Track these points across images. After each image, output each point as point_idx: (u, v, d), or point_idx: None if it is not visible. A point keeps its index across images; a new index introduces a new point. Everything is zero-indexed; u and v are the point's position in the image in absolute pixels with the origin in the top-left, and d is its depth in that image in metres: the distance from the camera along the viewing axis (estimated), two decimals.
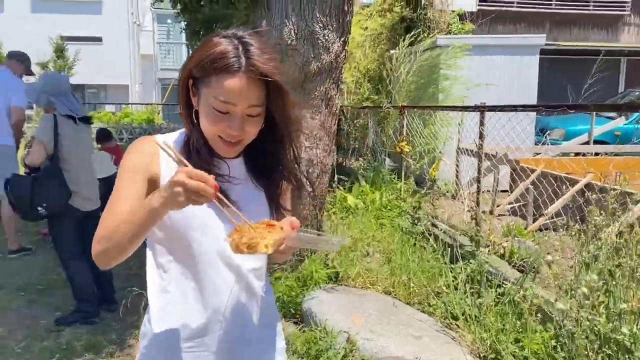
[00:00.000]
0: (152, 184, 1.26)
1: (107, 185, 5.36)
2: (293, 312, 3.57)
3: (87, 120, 3.86)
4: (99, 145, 6.35)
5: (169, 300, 1.32)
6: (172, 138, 1.32)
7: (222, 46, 1.17)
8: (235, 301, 1.34)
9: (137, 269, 4.74)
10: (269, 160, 1.34)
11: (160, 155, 1.27)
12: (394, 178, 6.25)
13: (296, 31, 3.62)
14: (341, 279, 3.90)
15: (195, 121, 1.26)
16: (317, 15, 3.59)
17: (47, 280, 4.54)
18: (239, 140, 1.23)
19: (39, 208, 3.53)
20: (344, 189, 6.04)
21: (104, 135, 6.44)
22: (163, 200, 1.09)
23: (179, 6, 10.22)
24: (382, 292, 3.82)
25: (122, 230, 1.16)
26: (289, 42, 3.62)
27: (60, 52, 19.33)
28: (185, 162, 1.17)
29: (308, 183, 3.85)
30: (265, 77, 1.17)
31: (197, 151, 1.26)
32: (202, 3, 9.04)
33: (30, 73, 5.62)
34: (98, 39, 23.75)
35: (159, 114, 21.51)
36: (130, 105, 22.46)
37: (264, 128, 1.27)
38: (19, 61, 5.35)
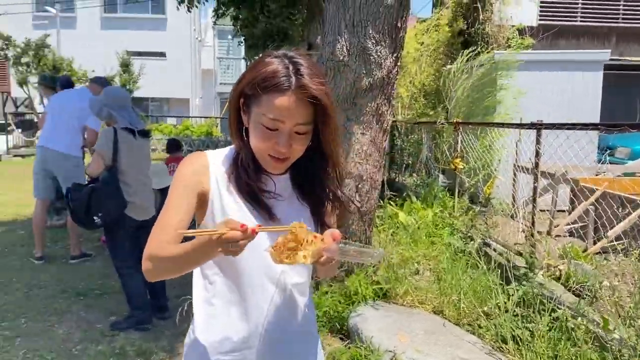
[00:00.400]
0: (202, 199, 1.31)
1: (163, 196, 5.56)
2: (339, 327, 3.56)
3: (145, 134, 3.99)
4: (168, 155, 6.65)
5: (213, 312, 1.36)
6: (222, 154, 1.37)
7: (274, 66, 1.22)
8: (277, 316, 1.36)
9: (188, 275, 4.87)
10: (314, 177, 1.37)
11: (210, 171, 1.31)
12: (447, 195, 6.14)
13: (348, 47, 3.64)
14: (389, 296, 3.85)
15: (245, 138, 1.31)
16: (370, 32, 3.60)
17: (104, 285, 4.72)
18: (286, 157, 1.27)
19: (95, 217, 3.65)
20: (396, 205, 5.98)
21: (173, 145, 6.76)
22: (216, 249, 1.12)
23: (238, 23, 10.55)
24: (431, 311, 3.75)
25: (176, 259, 1.21)
26: (341, 58, 3.65)
27: (125, 66, 20.20)
28: (213, 231, 1.15)
29: (357, 198, 3.85)
30: (314, 99, 1.21)
31: (245, 168, 1.30)
32: (259, 19, 9.29)
33: None
34: (162, 54, 24.71)
35: (217, 127, 22.08)
36: (190, 118, 23.18)
37: (310, 146, 1.30)
38: (100, 85, 5.65)
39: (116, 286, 4.67)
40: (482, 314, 3.60)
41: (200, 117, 24.43)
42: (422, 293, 3.87)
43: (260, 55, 1.30)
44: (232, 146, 1.37)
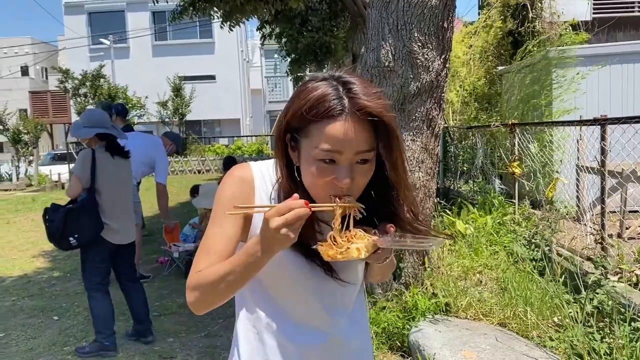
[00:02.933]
0: (247, 217, 1.17)
1: None
2: (399, 344, 3.40)
3: (125, 155, 3.93)
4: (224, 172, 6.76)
5: (258, 346, 1.24)
6: (269, 168, 1.22)
7: (321, 90, 1.05)
8: (330, 330, 1.23)
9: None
10: (376, 213, 1.16)
11: (255, 186, 1.18)
12: (505, 201, 5.87)
13: (393, 52, 3.52)
14: (450, 309, 3.66)
15: (298, 179, 1.12)
16: (415, 35, 3.47)
17: (162, 307, 4.74)
18: (347, 195, 1.07)
19: (71, 238, 3.60)
20: (452, 213, 5.76)
21: (230, 163, 6.87)
22: (264, 250, 1.01)
23: (282, 39, 10.63)
24: (497, 324, 3.53)
25: (224, 281, 1.08)
26: (387, 64, 3.54)
27: (177, 91, 20.77)
28: (267, 205, 1.07)
29: None
30: (374, 117, 1.03)
31: None
32: (302, 33, 9.31)
33: (178, 153, 6.46)
34: (212, 77, 25.30)
35: (267, 144, 22.30)
36: (242, 137, 23.54)
37: (372, 180, 1.11)
38: (172, 140, 6.14)
39: (173, 307, 4.70)
40: (551, 326, 3.36)
41: (251, 135, 24.79)
42: (486, 305, 3.65)
43: (303, 81, 1.13)
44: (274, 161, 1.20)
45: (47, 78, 36.05)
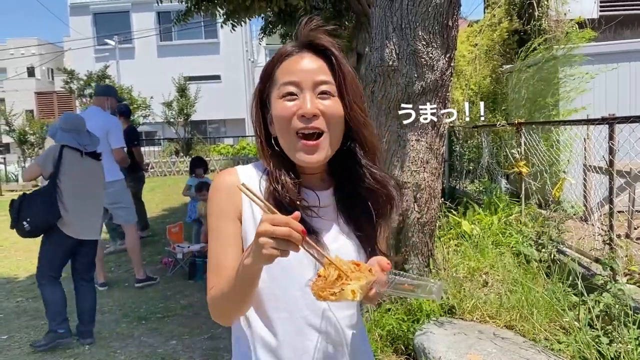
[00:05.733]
0: (240, 220, 1.15)
1: None
2: (404, 347, 3.36)
3: (95, 156, 4.17)
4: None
5: (253, 344, 1.19)
6: (254, 169, 1.22)
7: (282, 47, 1.16)
8: (324, 350, 1.18)
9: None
10: (354, 185, 1.19)
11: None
12: (512, 200, 5.81)
13: (397, 51, 3.48)
14: (455, 311, 3.62)
15: (277, 148, 1.15)
16: (420, 33, 3.43)
17: (166, 308, 4.72)
18: (318, 134, 1.09)
19: (24, 222, 3.76)
20: (457, 213, 5.71)
21: (197, 163, 7.08)
22: (251, 257, 0.97)
23: (287, 39, 10.57)
24: (503, 326, 3.48)
25: (228, 297, 1.08)
26: (390, 63, 3.49)
27: (182, 91, 20.77)
28: (269, 205, 1.00)
29: (416, 208, 3.66)
30: (323, 48, 1.12)
31: (280, 182, 1.12)
32: None
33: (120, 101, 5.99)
34: (217, 77, 25.31)
35: None
36: (246, 137, 23.52)
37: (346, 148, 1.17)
38: (103, 95, 5.63)
39: (176, 308, 4.68)
40: (559, 329, 3.31)
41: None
42: (492, 307, 3.60)
43: None
44: (261, 162, 1.21)
45: (53, 79, 36.18)
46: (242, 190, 1.01)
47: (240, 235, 1.14)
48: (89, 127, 5.11)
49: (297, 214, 0.93)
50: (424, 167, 3.62)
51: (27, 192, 3.93)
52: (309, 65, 1.11)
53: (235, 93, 25.53)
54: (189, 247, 5.88)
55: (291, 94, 1.10)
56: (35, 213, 3.78)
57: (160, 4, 6.18)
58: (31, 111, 29.49)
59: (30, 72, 35.45)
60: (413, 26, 3.45)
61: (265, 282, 1.12)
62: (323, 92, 1.10)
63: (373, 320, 3.51)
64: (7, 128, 20.11)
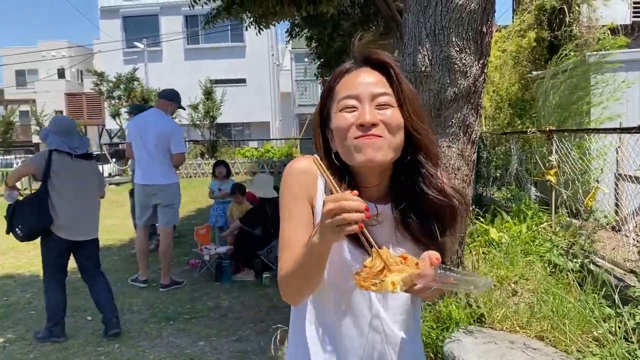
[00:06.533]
0: (312, 204, 1.21)
1: (272, 205, 5.72)
2: (433, 355, 3.33)
3: (87, 157, 4.24)
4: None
5: (305, 342, 1.25)
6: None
7: (342, 65, 1.21)
8: (376, 353, 1.23)
9: (277, 300, 4.81)
10: (414, 196, 1.19)
11: (318, 177, 1.20)
12: (541, 209, 5.72)
13: (430, 57, 3.46)
14: (484, 320, 3.57)
15: (339, 164, 1.19)
16: (453, 40, 3.41)
17: (193, 309, 4.75)
18: (377, 136, 1.10)
19: (17, 229, 3.91)
20: (485, 221, 5.65)
21: (218, 165, 7.14)
22: (319, 235, 1.02)
23: (312, 42, 10.61)
24: (534, 336, 3.43)
25: (294, 273, 1.13)
26: (423, 68, 3.48)
27: (208, 94, 20.98)
28: (334, 184, 1.05)
29: None
30: (381, 64, 1.16)
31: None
32: (333, 37, 9.27)
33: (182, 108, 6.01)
34: (242, 81, 25.50)
35: (296, 147, 22.35)
36: (271, 140, 23.65)
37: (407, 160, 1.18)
38: (168, 100, 5.59)
39: (204, 310, 4.72)
40: (592, 341, 3.24)
41: (281, 139, 24.87)
42: (523, 317, 3.55)
43: None
44: None
45: (82, 80, 36.91)
46: (315, 163, 1.08)
47: (311, 217, 1.19)
48: (152, 129, 5.22)
49: (355, 192, 0.98)
50: (454, 174, 3.60)
51: (18, 199, 4.03)
52: (367, 79, 1.15)
53: (260, 96, 25.68)
54: (215, 249, 5.93)
55: (351, 107, 1.13)
56: (26, 219, 3.91)
57: (192, 8, 6.24)
58: (61, 112, 30.11)
59: (61, 73, 36.25)
60: (446, 32, 3.43)
61: (328, 282, 1.18)
62: (382, 104, 1.13)
63: None
64: (38, 128, 20.53)
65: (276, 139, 24.48)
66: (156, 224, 6.15)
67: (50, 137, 4.09)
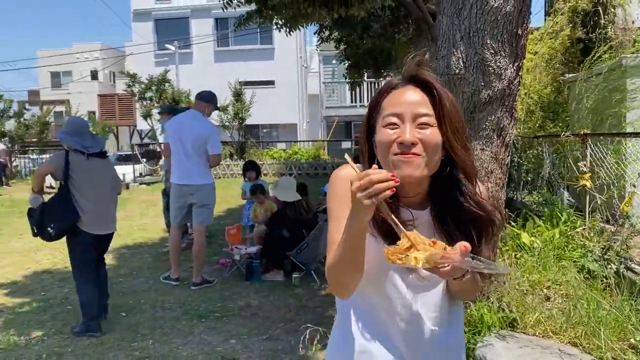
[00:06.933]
0: None
1: (291, 208, 5.81)
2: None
3: (101, 155, 4.44)
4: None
5: (347, 336, 1.37)
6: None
7: (389, 80, 1.30)
8: (414, 347, 1.34)
9: (307, 300, 4.85)
10: (452, 206, 1.29)
11: None
12: (574, 214, 5.63)
13: (464, 59, 3.45)
14: (516, 325, 3.54)
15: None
16: (488, 42, 3.39)
17: (224, 308, 4.82)
18: (416, 154, 1.20)
19: (49, 228, 4.10)
20: (517, 225, 5.58)
21: (249, 166, 7.31)
22: (352, 214, 1.13)
23: (341, 44, 10.62)
24: (567, 342, 3.38)
25: (340, 259, 1.22)
26: (457, 71, 3.47)
27: (238, 96, 21.17)
28: (359, 173, 1.14)
29: None
30: (426, 83, 1.23)
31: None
32: (363, 38, 9.26)
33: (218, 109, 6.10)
34: (271, 83, 25.68)
35: (324, 149, 22.39)
36: (298, 142, 23.74)
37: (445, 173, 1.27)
38: (205, 101, 5.68)
39: (235, 308, 4.78)
40: (628, 348, 3.19)
41: (308, 140, 24.95)
42: (556, 322, 3.51)
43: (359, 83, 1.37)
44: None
45: (114, 82, 37.65)
46: (346, 159, 1.21)
47: None
48: (190, 130, 5.33)
49: (374, 165, 1.10)
50: (487, 177, 3.57)
51: (45, 201, 4.21)
52: (411, 98, 1.23)
53: (288, 98, 25.83)
54: (246, 249, 6.00)
55: (394, 124, 1.22)
56: (57, 217, 4.12)
57: (225, 10, 6.32)
58: (93, 112, 30.79)
59: (94, 75, 37.03)
60: (481, 34, 3.42)
61: (367, 279, 1.29)
62: (423, 123, 1.22)
63: None
64: None
65: (303, 141, 24.56)
66: (188, 224, 6.27)
67: (65, 137, 4.31)
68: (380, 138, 1.24)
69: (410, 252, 1.09)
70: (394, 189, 1.07)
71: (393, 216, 1.14)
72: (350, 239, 1.17)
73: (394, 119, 1.22)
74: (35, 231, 4.19)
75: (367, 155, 1.31)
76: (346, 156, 1.23)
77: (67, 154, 4.25)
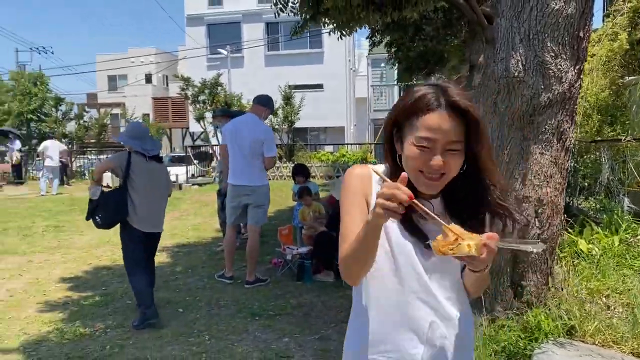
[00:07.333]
0: (367, 205, 1.42)
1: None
2: None
3: (158, 159, 4.73)
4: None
5: (363, 323, 1.46)
6: (381, 170, 1.46)
7: (422, 91, 1.31)
8: (427, 325, 1.41)
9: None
10: (468, 198, 1.39)
11: (373, 182, 1.43)
12: (635, 221, 5.44)
13: (524, 62, 3.42)
14: (575, 333, 3.47)
15: (399, 164, 1.38)
16: (548, 45, 3.35)
17: (277, 307, 4.91)
18: (440, 175, 1.30)
19: (97, 217, 4.43)
20: (573, 231, 5.44)
21: (299, 169, 7.36)
22: (372, 214, 1.22)
23: (392, 47, 10.60)
24: (629, 353, 3.29)
25: (354, 252, 1.32)
26: (516, 74, 3.44)
27: (287, 99, 21.40)
28: (388, 181, 1.24)
29: (537, 224, 3.56)
30: (464, 113, 1.28)
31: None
32: (415, 41, 9.22)
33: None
34: (319, 86, 25.84)
35: (371, 153, 22.34)
36: (345, 145, 23.78)
37: (462, 171, 1.34)
38: (262, 105, 5.81)
39: (287, 307, 4.86)
40: None
41: (355, 144, 24.94)
42: (617, 332, 3.41)
43: (411, 86, 1.45)
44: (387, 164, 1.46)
45: (167, 85, 38.74)
46: (376, 172, 1.33)
47: (367, 211, 1.38)
48: (247, 133, 5.46)
49: (404, 175, 1.20)
50: (547, 182, 3.52)
51: (104, 192, 4.53)
52: (447, 126, 1.28)
53: (336, 101, 25.91)
54: (297, 249, 6.08)
55: (425, 146, 1.29)
56: (106, 210, 4.45)
57: (278, 16, 6.44)
58: (147, 115, 31.78)
59: (148, 78, 38.20)
60: (541, 37, 3.38)
61: (384, 269, 1.40)
62: (452, 149, 1.29)
63: (488, 335, 3.46)
64: None
65: (350, 144, 24.57)
66: (241, 224, 6.40)
67: (127, 140, 4.62)
68: (409, 154, 1.31)
69: (462, 241, 1.17)
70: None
71: (432, 213, 1.22)
72: (366, 236, 1.26)
73: (427, 143, 1.28)
74: (88, 216, 4.52)
75: (390, 151, 1.41)
76: (373, 170, 1.35)
77: (130, 155, 4.55)
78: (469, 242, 1.17)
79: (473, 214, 1.38)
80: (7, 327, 4.54)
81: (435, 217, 1.22)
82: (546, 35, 3.37)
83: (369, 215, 1.24)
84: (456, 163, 1.30)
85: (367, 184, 1.42)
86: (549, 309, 3.56)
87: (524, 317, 3.51)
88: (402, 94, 1.39)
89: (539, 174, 3.49)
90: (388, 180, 1.23)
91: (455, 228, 1.20)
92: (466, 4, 4.24)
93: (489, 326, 3.54)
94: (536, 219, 3.54)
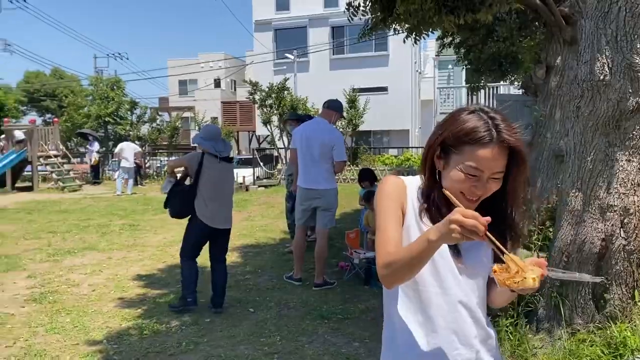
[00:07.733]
0: (403, 212, 1.48)
1: None
2: None
3: (228, 160, 5.04)
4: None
5: (396, 330, 1.51)
6: (415, 182, 1.53)
7: (474, 122, 1.38)
8: (461, 326, 1.46)
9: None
10: (497, 212, 1.43)
11: (407, 193, 1.49)
12: None
13: (610, 65, 3.28)
14: None
15: (436, 180, 1.45)
16: (638, 46, 3.19)
17: (345, 310, 4.93)
18: (479, 197, 1.40)
19: (168, 208, 4.88)
20: None
21: (365, 173, 7.32)
22: (440, 235, 1.24)
23: (462, 49, 10.38)
24: None
25: (402, 262, 1.34)
26: (601, 77, 3.30)
27: (352, 102, 21.42)
28: (458, 203, 1.31)
29: (622, 234, 3.39)
30: (515, 149, 1.36)
31: (438, 207, 1.45)
32: (487, 43, 8.98)
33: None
34: (384, 89, 25.68)
35: None
36: (410, 148, 23.51)
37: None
38: (332, 110, 5.89)
39: (356, 312, 4.87)
40: None
41: (420, 147, 24.60)
42: None
43: (454, 111, 1.46)
44: (419, 177, 1.52)
45: (235, 90, 39.73)
46: (446, 194, 1.37)
47: (402, 217, 1.47)
48: (317, 137, 5.57)
49: (487, 218, 1.21)
50: (634, 190, 3.35)
51: (176, 189, 4.90)
52: (495, 160, 1.36)
53: (400, 104, 25.65)
54: (365, 253, 6.08)
55: (472, 175, 1.37)
56: (174, 205, 4.87)
57: (352, 20, 6.46)
58: (216, 118, 32.70)
59: (217, 83, 39.34)
60: (630, 38, 3.23)
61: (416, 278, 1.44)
62: (495, 178, 1.39)
63: (567, 349, 3.33)
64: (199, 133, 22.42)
65: (415, 147, 24.27)
66: (309, 225, 6.47)
67: (202, 141, 4.95)
68: (455, 177, 1.39)
69: (526, 275, 1.22)
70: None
71: (499, 243, 1.26)
72: (426, 250, 1.29)
73: (475, 172, 1.36)
74: (164, 205, 4.96)
75: (429, 165, 1.47)
76: (445, 192, 1.38)
77: (203, 155, 4.87)
78: (533, 275, 1.21)
79: (496, 230, 1.39)
80: (91, 320, 4.79)
81: (502, 247, 1.27)
82: (635, 36, 3.22)
83: (434, 232, 1.26)
84: (496, 187, 1.40)
85: (402, 193, 1.49)
86: (635, 325, 3.38)
87: (607, 331, 3.35)
88: (449, 115, 1.47)
89: (625, 182, 3.33)
90: (460, 205, 1.29)
91: (516, 258, 1.25)
92: (543, 5, 4.11)
93: (569, 339, 3.40)
94: (621, 229, 3.37)
